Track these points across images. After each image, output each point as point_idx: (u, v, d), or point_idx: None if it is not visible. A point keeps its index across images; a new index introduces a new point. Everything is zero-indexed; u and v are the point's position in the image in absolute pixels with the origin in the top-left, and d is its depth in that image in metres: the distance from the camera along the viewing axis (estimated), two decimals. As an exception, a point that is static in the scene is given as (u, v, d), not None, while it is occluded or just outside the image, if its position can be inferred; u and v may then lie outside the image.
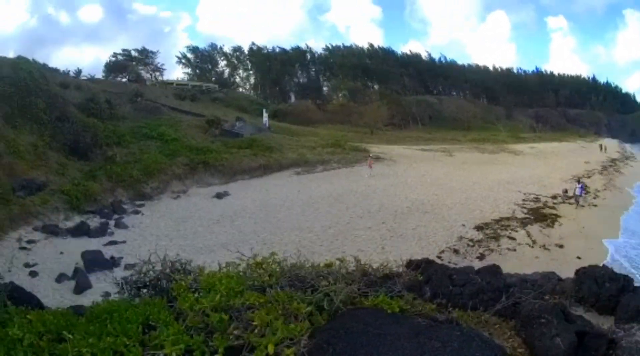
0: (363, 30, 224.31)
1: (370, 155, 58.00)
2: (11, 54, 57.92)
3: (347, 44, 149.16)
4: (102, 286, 23.27)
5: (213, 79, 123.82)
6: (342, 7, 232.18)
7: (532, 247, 30.67)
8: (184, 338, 4.46)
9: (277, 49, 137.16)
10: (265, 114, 77.40)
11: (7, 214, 32.88)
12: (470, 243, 30.92)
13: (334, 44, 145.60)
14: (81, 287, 23.62)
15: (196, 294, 5.40)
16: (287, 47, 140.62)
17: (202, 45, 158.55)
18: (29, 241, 31.12)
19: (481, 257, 28.44)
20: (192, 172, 50.16)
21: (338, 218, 35.21)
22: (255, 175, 52.82)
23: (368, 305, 5.65)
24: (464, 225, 34.23)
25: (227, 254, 20.17)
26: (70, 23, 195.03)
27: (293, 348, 4.38)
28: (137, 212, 39.60)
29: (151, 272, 7.10)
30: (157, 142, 54.63)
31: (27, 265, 27.14)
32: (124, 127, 56.59)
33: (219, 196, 44.24)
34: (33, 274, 25.74)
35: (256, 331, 4.60)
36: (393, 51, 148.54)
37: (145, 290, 7.17)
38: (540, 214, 38.17)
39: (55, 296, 21.85)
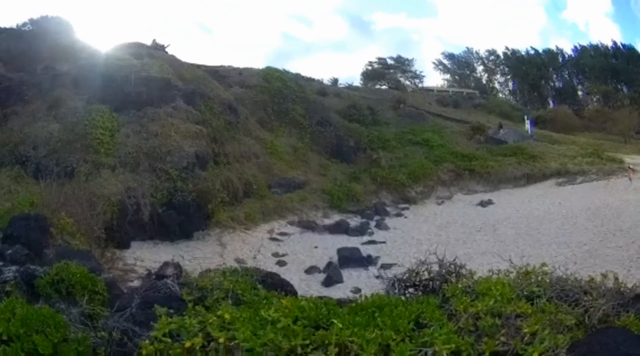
0: (600, 26, 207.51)
1: (630, 166, 54.59)
2: (258, 66, 61.40)
3: (589, 42, 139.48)
4: (353, 282, 23.99)
5: (472, 84, 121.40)
6: (577, 2, 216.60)
7: None
8: (455, 339, 4.44)
9: (531, 52, 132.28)
10: (527, 121, 74.62)
11: (260, 208, 34.89)
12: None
13: (580, 44, 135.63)
14: (332, 280, 24.31)
15: (469, 298, 5.40)
16: (534, 47, 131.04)
17: (455, 51, 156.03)
18: (282, 234, 32.80)
19: None
20: (458, 179, 49.65)
21: (593, 234, 33.04)
22: (518, 184, 51.24)
23: (619, 324, 5.33)
24: None
25: (486, 263, 20.03)
26: (311, 36, 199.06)
27: (555, 358, 4.28)
28: (400, 215, 40.07)
29: (426, 272, 7.17)
30: (423, 147, 54.37)
31: (275, 255, 28.73)
32: (387, 132, 56.92)
33: (483, 204, 43.44)
34: (281, 263, 27.10)
35: (525, 339, 4.54)
36: (634, 48, 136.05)
37: (412, 289, 7.24)
38: None
39: (302, 286, 22.32)
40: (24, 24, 41.74)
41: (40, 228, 16.65)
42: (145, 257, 25.60)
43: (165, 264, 22.11)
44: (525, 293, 5.87)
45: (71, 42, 40.95)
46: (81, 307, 6.78)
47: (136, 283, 19.39)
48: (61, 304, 7.12)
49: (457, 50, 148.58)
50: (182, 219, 29.51)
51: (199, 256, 26.77)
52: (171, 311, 5.25)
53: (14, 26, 42.20)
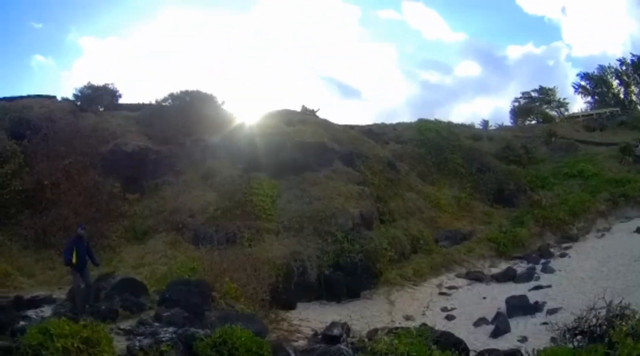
0: None
1: None
2: (405, 120, 61.99)
3: None
4: (520, 331, 23.49)
5: (612, 102, 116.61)
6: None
7: None
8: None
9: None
10: (665, 135, 70.44)
11: (428, 263, 34.75)
12: None
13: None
14: (500, 331, 23.82)
15: (632, 340, 5.42)
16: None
17: (586, 66, 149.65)
18: (450, 287, 32.40)
19: None
20: (614, 207, 46.94)
21: None
22: (671, 205, 48.74)
23: None
24: None
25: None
26: (450, 82, 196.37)
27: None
28: (563, 255, 38.49)
29: (594, 319, 7.16)
30: (578, 180, 52.84)
31: (444, 309, 28.37)
32: (544, 169, 56.25)
33: (639, 230, 40.72)
34: (450, 317, 26.77)
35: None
36: None
37: (580, 336, 7.24)
38: None
39: (469, 338, 22.04)
40: (164, 99, 43.64)
41: (201, 293, 17.60)
42: (311, 317, 26.00)
43: (333, 324, 22.46)
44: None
45: (217, 114, 43.28)
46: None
47: (301, 343, 19.86)
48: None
49: (588, 67, 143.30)
50: (350, 280, 29.82)
51: (367, 315, 26.93)
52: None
53: (154, 102, 44.56)
